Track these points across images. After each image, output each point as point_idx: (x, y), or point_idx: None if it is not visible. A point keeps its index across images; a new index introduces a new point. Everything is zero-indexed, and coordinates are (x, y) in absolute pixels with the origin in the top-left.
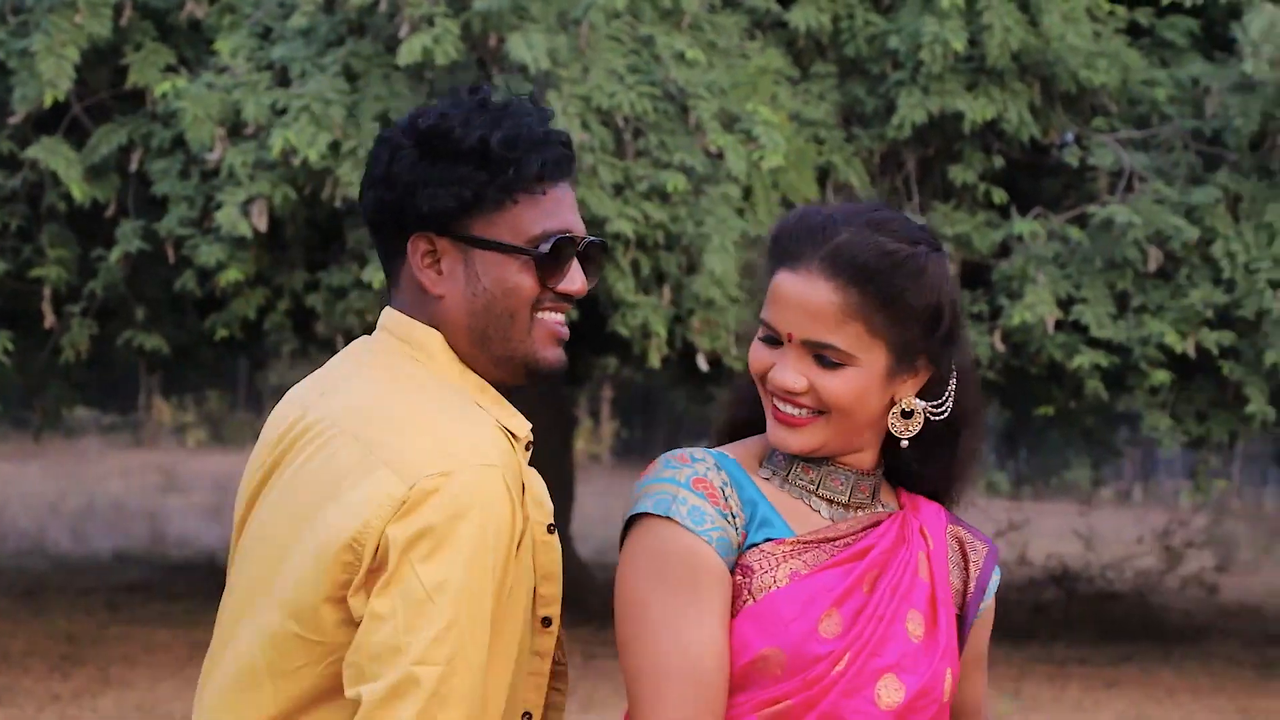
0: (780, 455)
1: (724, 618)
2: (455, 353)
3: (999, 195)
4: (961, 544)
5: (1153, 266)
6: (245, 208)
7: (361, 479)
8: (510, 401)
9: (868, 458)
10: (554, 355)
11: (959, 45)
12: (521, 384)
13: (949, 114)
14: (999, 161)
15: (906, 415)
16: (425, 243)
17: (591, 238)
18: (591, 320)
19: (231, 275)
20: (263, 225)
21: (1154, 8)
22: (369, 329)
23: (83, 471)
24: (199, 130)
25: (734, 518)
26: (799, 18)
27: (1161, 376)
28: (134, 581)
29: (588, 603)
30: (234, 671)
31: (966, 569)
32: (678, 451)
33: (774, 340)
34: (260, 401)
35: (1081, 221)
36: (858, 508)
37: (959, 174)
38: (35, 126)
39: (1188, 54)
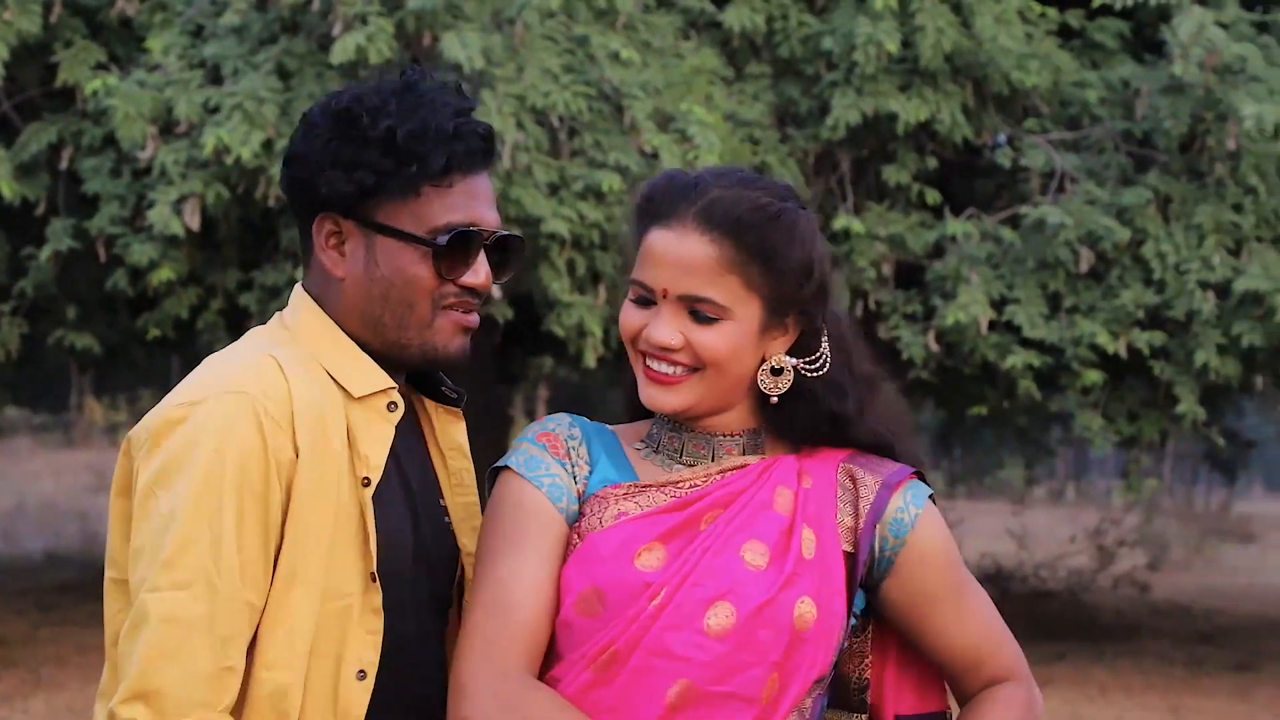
0: (653, 431)
1: (545, 555)
2: (346, 330)
3: (932, 196)
4: (854, 480)
5: (1084, 267)
6: (177, 206)
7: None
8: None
9: (734, 419)
10: (456, 346)
11: (892, 46)
12: (421, 369)
13: (883, 115)
14: (932, 162)
15: (776, 373)
16: (330, 223)
17: (503, 231)
18: (527, 320)
19: (164, 274)
20: (195, 224)
21: (1084, 10)
22: None
23: (13, 471)
24: (130, 128)
25: (574, 466)
26: (733, 18)
27: (1093, 377)
28: (66, 582)
29: None
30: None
31: (857, 505)
32: (540, 422)
33: (646, 300)
34: None
35: (1014, 222)
36: (726, 471)
37: (893, 175)
38: None
39: (1118, 56)
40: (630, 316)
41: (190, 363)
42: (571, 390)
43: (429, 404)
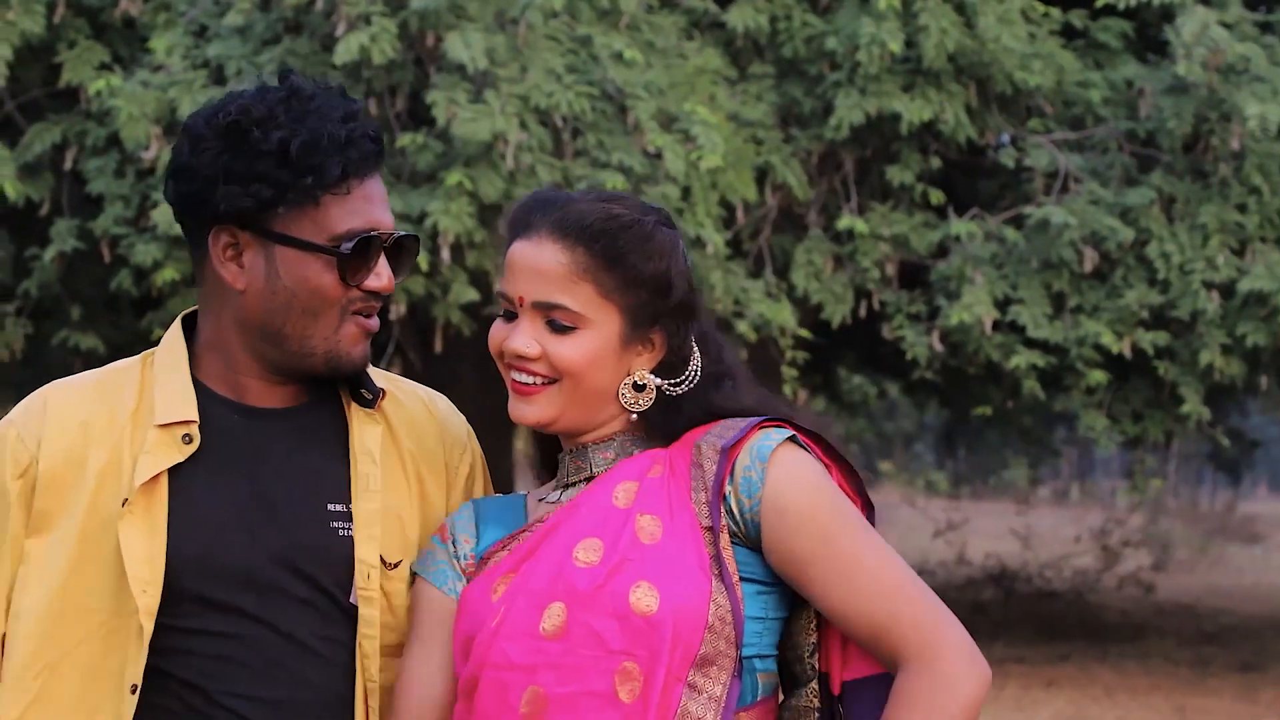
0: (561, 465)
1: (434, 641)
2: (247, 344)
3: (936, 196)
4: (701, 454)
5: (1088, 267)
6: None
7: None
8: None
9: (606, 432)
10: (359, 353)
11: (896, 46)
12: (322, 378)
13: (886, 115)
14: (936, 162)
15: (639, 389)
16: (228, 235)
17: (400, 233)
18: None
19: (168, 274)
20: None
21: (1088, 10)
22: None
23: None
24: (134, 128)
25: (455, 545)
26: (737, 18)
27: (1098, 376)
28: None
29: None
30: None
31: (706, 480)
32: None
33: (510, 314)
34: None
35: (1018, 222)
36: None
37: (896, 175)
38: None
39: (1121, 56)
40: (496, 332)
41: None
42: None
43: (353, 407)
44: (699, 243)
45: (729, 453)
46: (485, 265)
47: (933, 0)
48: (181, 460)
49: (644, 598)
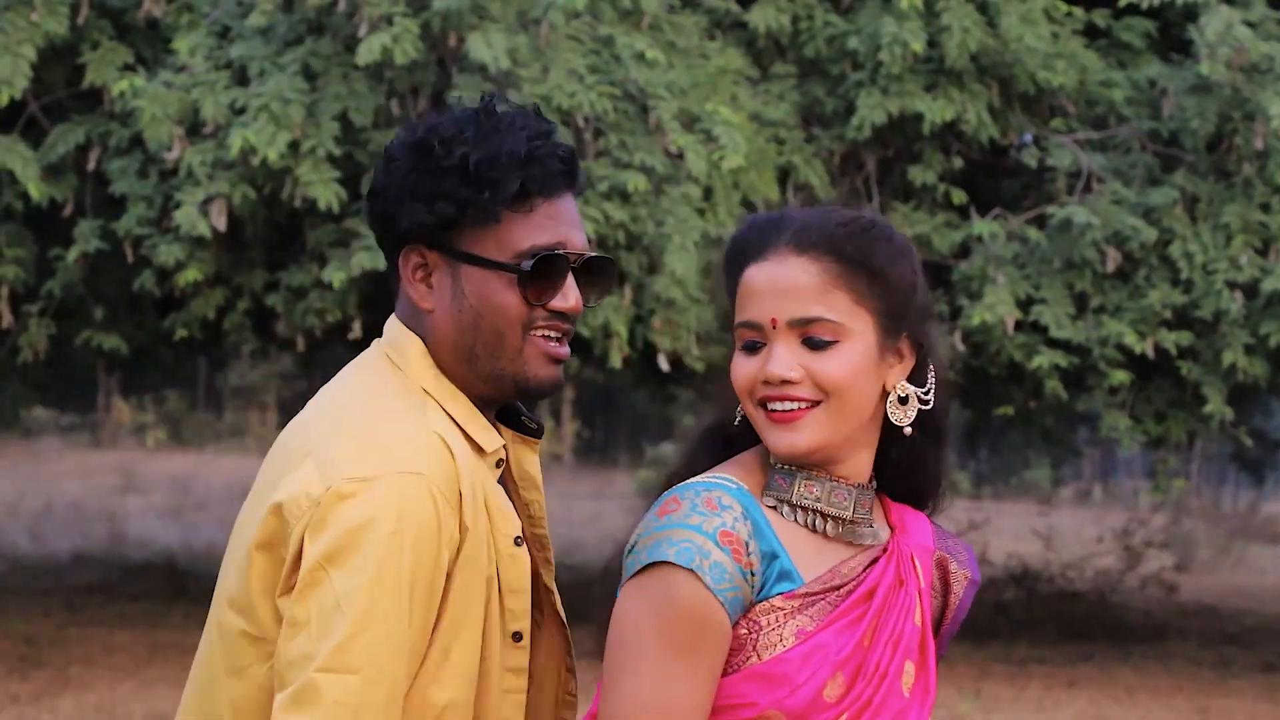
0: (781, 478)
1: (715, 678)
2: (440, 365)
3: (958, 196)
4: (945, 571)
5: (1111, 267)
6: (204, 207)
7: (288, 473)
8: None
9: (862, 465)
10: (547, 375)
11: (918, 46)
12: (514, 401)
13: (908, 115)
14: (958, 162)
15: (902, 401)
16: (417, 255)
17: (591, 254)
18: None
19: (191, 275)
20: (222, 225)
21: (1111, 9)
22: (329, 329)
23: (41, 472)
24: (157, 129)
25: (752, 575)
26: (758, 18)
27: (1120, 377)
28: (93, 582)
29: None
30: (196, 673)
31: (947, 598)
32: (703, 491)
33: (755, 345)
34: (220, 401)
35: (1040, 222)
36: (860, 523)
37: (918, 174)
38: None
39: (1144, 55)
40: (743, 367)
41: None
42: (596, 391)
43: (505, 432)
44: (720, 243)
45: (975, 588)
46: None
47: (955, 0)
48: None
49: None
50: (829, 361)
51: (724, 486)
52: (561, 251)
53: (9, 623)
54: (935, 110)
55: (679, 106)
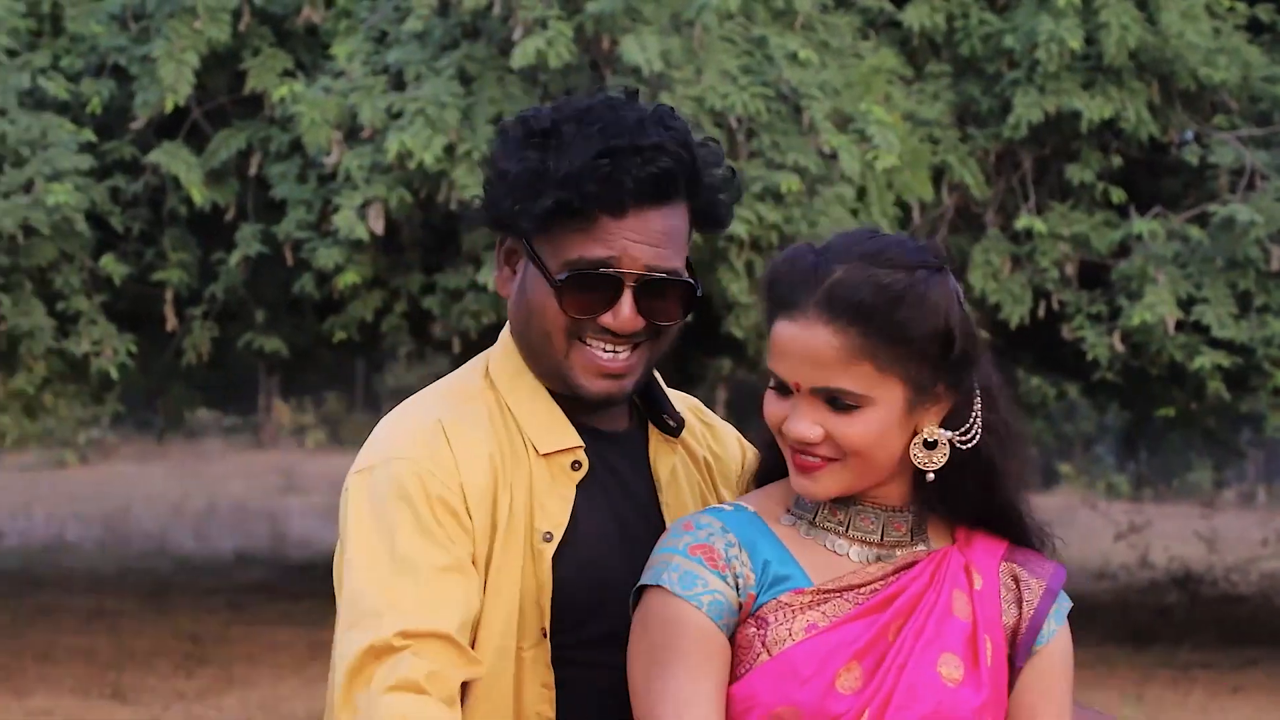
0: (801, 503)
1: (714, 679)
2: (519, 352)
3: (1117, 194)
4: (1017, 580)
5: (1275, 265)
6: (362, 211)
7: None
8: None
9: (896, 491)
10: (597, 388)
11: (1075, 44)
12: (579, 399)
13: (1066, 113)
14: (1117, 160)
15: (930, 446)
16: (510, 243)
17: (652, 275)
18: (705, 321)
19: (349, 278)
20: (379, 228)
21: (1274, 4)
22: (484, 331)
23: (205, 472)
24: (316, 134)
25: (737, 579)
26: (912, 17)
27: None
28: (256, 581)
29: None
30: None
31: (1020, 607)
32: (686, 518)
33: (785, 389)
34: (377, 403)
35: (1202, 220)
36: (895, 546)
37: (1076, 173)
38: (156, 131)
39: None
40: (773, 406)
41: (374, 366)
42: (749, 391)
43: (652, 430)
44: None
45: (1052, 597)
46: None
47: None
48: (573, 489)
49: None
50: (851, 426)
51: (712, 511)
52: (607, 270)
53: (175, 621)
54: (1093, 108)
55: (832, 106)
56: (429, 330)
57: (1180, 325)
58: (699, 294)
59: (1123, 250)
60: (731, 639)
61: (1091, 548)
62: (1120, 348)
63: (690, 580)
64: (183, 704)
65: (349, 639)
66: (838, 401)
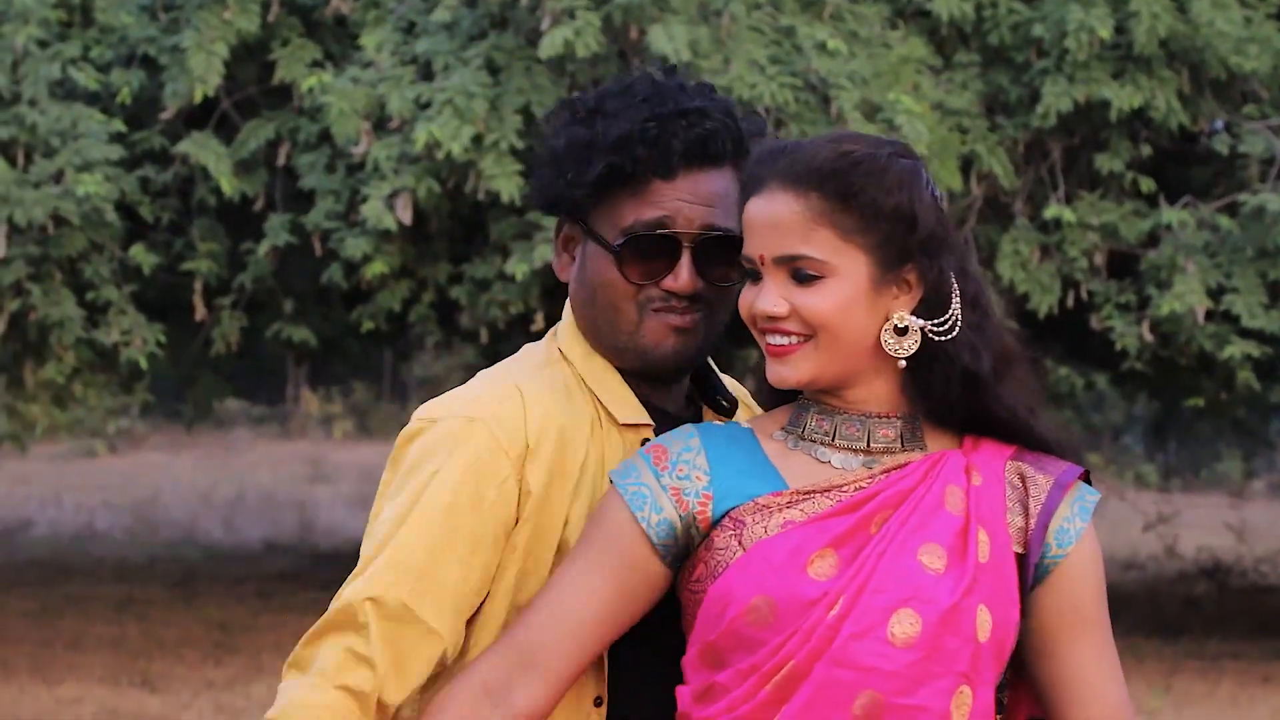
0: (797, 414)
1: (602, 568)
2: (584, 335)
3: (1147, 184)
4: (1024, 479)
5: None
6: (390, 201)
7: None
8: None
9: (879, 394)
10: (669, 348)
11: (1105, 33)
12: (649, 372)
13: (1095, 102)
14: (1146, 150)
15: (901, 332)
16: (567, 228)
17: (709, 232)
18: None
19: (377, 268)
20: (407, 218)
21: None
22: (512, 321)
23: (233, 462)
24: (345, 124)
25: (676, 477)
26: (941, 6)
27: None
28: (284, 570)
29: None
30: None
31: (1027, 505)
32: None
33: (755, 276)
34: (405, 393)
35: (1232, 210)
36: (883, 453)
37: (1105, 163)
38: (186, 122)
39: None
40: (744, 297)
41: (402, 356)
42: None
43: (707, 414)
44: None
45: (1062, 490)
46: None
47: None
48: None
49: (985, 622)
50: (814, 297)
51: (703, 424)
52: (664, 231)
53: (204, 610)
54: (1123, 97)
55: (861, 96)
56: (456, 320)
57: (1210, 315)
58: None
59: (1152, 240)
60: (687, 555)
61: (1120, 538)
62: (1149, 337)
63: (627, 471)
64: (211, 692)
65: (346, 587)
66: (801, 272)
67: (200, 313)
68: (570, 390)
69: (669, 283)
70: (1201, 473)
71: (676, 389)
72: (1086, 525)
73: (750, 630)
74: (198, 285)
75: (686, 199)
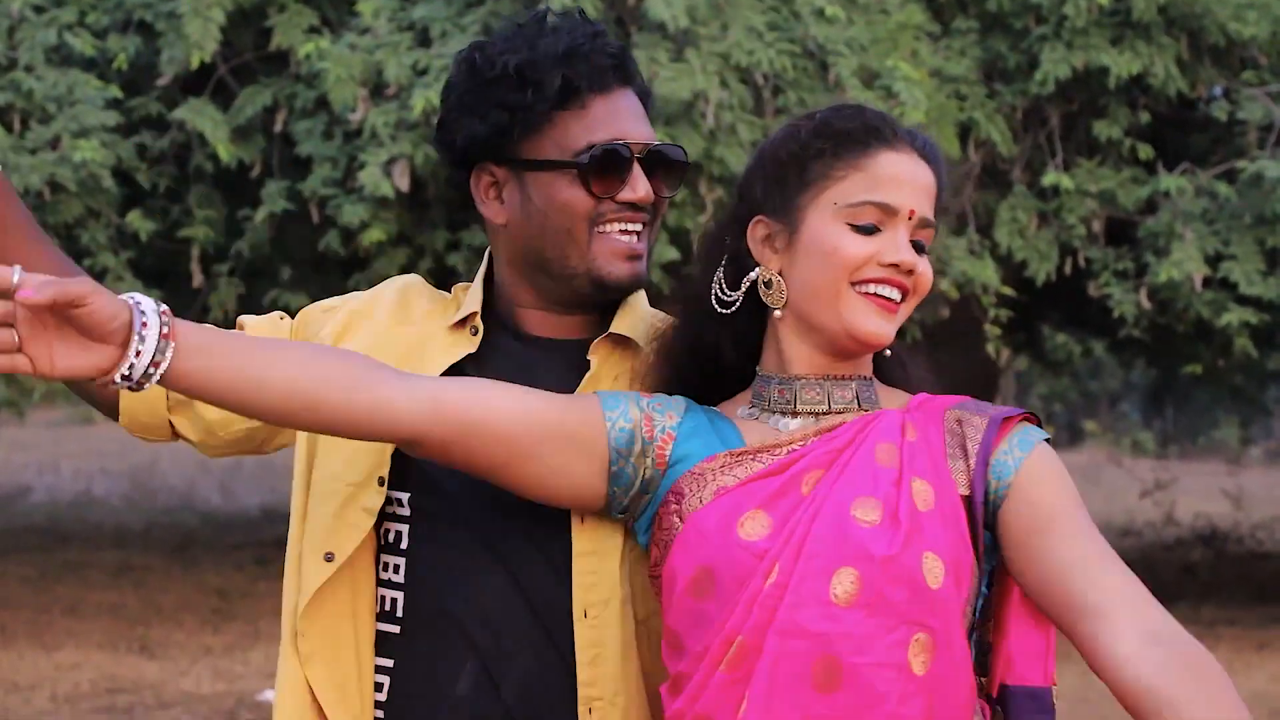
0: (757, 389)
1: (553, 403)
2: (521, 278)
3: (1145, 151)
4: (960, 423)
5: None
6: (387, 168)
7: None
8: None
9: (851, 372)
10: (621, 270)
11: None
12: (597, 299)
13: (1093, 69)
14: (1145, 116)
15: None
16: (487, 175)
17: (656, 144)
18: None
19: (374, 235)
20: (405, 185)
21: None
22: None
23: None
24: (342, 91)
25: (652, 406)
26: None
27: None
28: (282, 537)
29: None
30: None
31: (966, 446)
32: None
33: (872, 229)
34: None
35: (1230, 177)
36: (842, 414)
37: (1104, 129)
38: (182, 88)
39: None
40: (858, 245)
41: None
42: None
43: (607, 342)
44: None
45: (1001, 426)
46: (685, 224)
47: None
48: (471, 351)
49: (935, 569)
50: (925, 264)
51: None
52: (621, 143)
53: (202, 576)
54: (1121, 64)
55: (859, 63)
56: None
57: (1207, 282)
58: (687, 165)
59: (1150, 207)
60: (629, 491)
61: (1117, 505)
62: (1147, 304)
63: (614, 404)
64: (210, 659)
65: None
66: (919, 242)
67: (197, 279)
68: (440, 299)
69: (626, 194)
70: (1198, 439)
71: (585, 321)
72: (1028, 454)
73: (697, 604)
74: (195, 252)
75: (625, 115)
